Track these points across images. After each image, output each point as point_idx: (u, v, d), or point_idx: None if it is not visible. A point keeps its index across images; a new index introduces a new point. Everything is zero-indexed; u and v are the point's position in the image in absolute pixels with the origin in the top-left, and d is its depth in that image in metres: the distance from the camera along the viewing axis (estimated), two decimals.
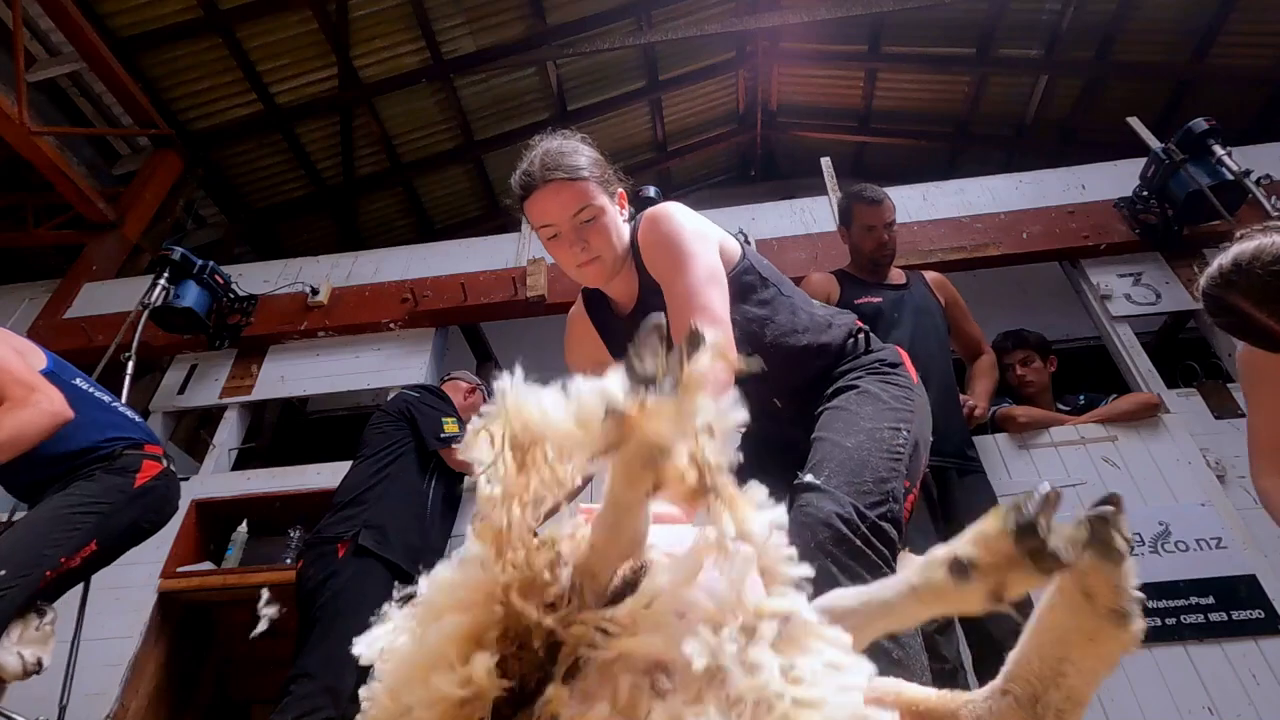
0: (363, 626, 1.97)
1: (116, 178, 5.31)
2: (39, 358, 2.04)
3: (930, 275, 2.81)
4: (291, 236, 6.36)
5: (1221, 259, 1.27)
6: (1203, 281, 1.32)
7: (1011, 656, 0.63)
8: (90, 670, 2.72)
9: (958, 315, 2.72)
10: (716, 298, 1.24)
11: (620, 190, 1.39)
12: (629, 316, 1.44)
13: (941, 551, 0.59)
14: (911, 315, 2.53)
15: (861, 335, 1.45)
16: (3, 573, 1.67)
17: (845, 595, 0.68)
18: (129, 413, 2.19)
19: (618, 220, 1.36)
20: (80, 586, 2.10)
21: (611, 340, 1.51)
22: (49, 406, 1.87)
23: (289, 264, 4.32)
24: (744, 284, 1.38)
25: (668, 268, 1.28)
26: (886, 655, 0.93)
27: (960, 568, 0.57)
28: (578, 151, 1.33)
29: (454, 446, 2.72)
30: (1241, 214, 3.11)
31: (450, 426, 2.74)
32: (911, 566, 0.63)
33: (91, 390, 2.11)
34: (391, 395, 3.11)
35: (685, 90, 6.89)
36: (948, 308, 2.71)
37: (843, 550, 1.01)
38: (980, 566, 0.56)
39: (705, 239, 1.32)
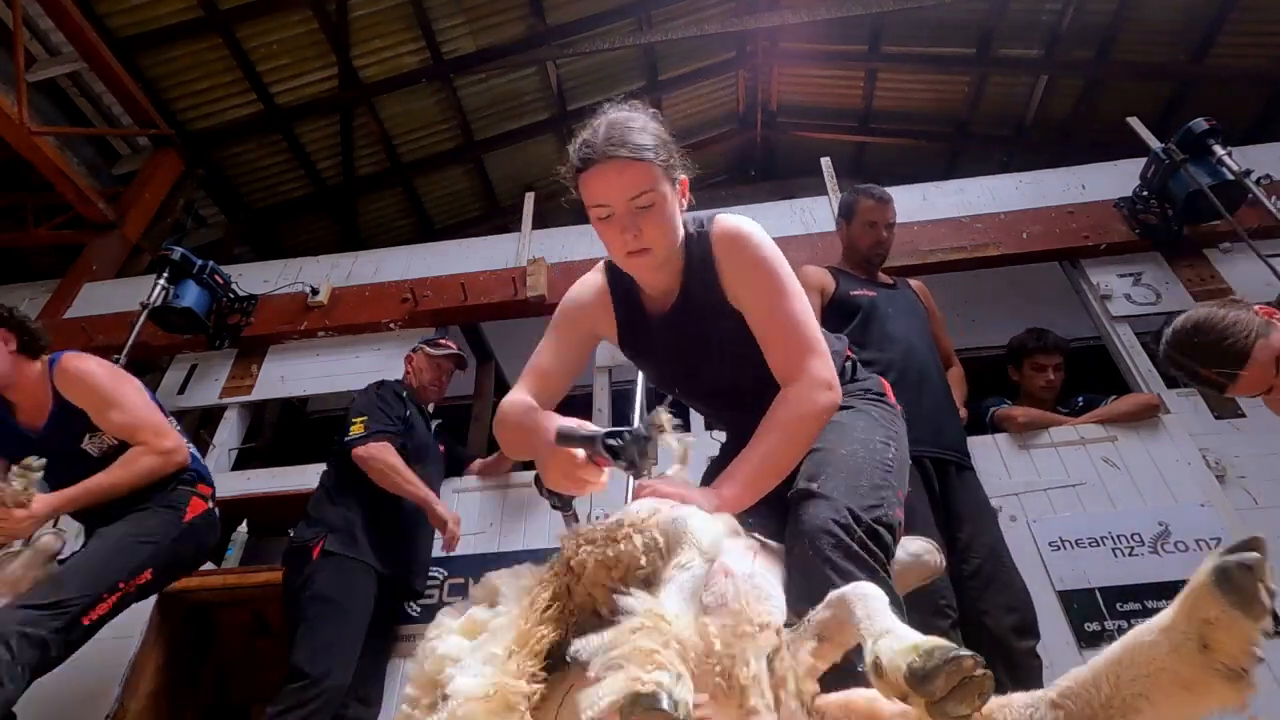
0: (345, 621, 2.06)
1: (116, 178, 5.31)
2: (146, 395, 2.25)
3: (914, 283, 2.81)
4: (291, 236, 6.36)
5: (1167, 331, 1.69)
6: (1160, 348, 1.71)
7: (1074, 673, 0.61)
8: (90, 670, 2.72)
9: (934, 325, 2.72)
10: (819, 333, 1.28)
11: (684, 178, 1.30)
12: (668, 314, 1.37)
13: (876, 646, 0.64)
14: (906, 314, 2.54)
15: (849, 364, 1.46)
16: (71, 592, 1.87)
17: (871, 598, 0.74)
18: (194, 450, 2.37)
19: (676, 211, 1.27)
20: None
21: (628, 333, 1.44)
22: (177, 455, 2.16)
23: (289, 264, 4.32)
24: None
25: (764, 293, 1.27)
26: None
27: (878, 668, 0.62)
28: (645, 129, 1.23)
29: (360, 447, 2.54)
30: (1241, 214, 3.11)
31: (356, 428, 2.61)
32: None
33: (176, 426, 2.31)
34: None
35: (685, 90, 6.89)
36: (929, 315, 2.72)
37: (839, 554, 1.02)
38: (885, 682, 0.61)
39: (790, 269, 1.32)
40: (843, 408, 1.33)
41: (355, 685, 2.32)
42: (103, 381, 2.15)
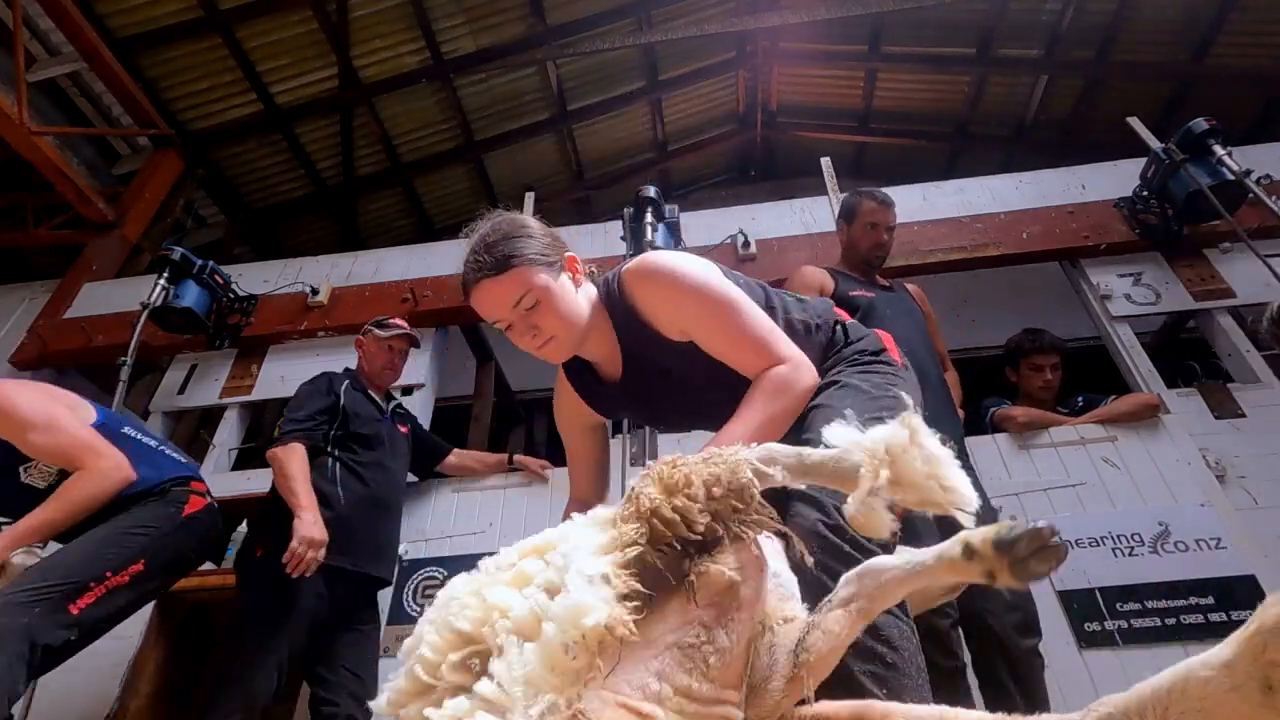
0: (270, 625, 2.07)
1: (116, 178, 5.31)
2: (89, 411, 2.12)
3: (911, 286, 2.80)
4: (291, 236, 6.36)
5: (1272, 306, 1.52)
6: (1263, 323, 1.58)
7: (1111, 700, 0.60)
8: (90, 670, 2.72)
9: (930, 329, 2.72)
10: (769, 325, 1.27)
11: (568, 255, 1.33)
12: (621, 383, 1.40)
13: (965, 535, 0.75)
14: (904, 316, 2.54)
15: (839, 328, 1.41)
16: (54, 578, 1.78)
17: (889, 559, 0.83)
18: (176, 453, 2.31)
19: (567, 292, 1.29)
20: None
21: (600, 405, 1.49)
22: (118, 474, 2.00)
23: (289, 264, 4.32)
24: None
25: (697, 319, 1.27)
26: (880, 659, 0.92)
27: (969, 551, 0.74)
28: (505, 237, 1.27)
29: (271, 448, 2.47)
30: (1241, 214, 3.11)
31: (276, 430, 2.56)
32: (941, 544, 0.79)
33: (140, 436, 2.21)
34: None
35: (685, 90, 6.89)
36: (925, 318, 2.72)
37: (830, 556, 0.99)
38: (980, 555, 0.73)
39: (716, 273, 1.30)
40: (833, 383, 1.28)
41: (348, 684, 2.30)
42: (19, 405, 1.95)
